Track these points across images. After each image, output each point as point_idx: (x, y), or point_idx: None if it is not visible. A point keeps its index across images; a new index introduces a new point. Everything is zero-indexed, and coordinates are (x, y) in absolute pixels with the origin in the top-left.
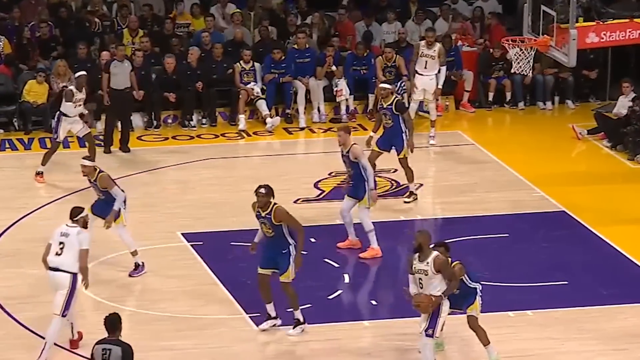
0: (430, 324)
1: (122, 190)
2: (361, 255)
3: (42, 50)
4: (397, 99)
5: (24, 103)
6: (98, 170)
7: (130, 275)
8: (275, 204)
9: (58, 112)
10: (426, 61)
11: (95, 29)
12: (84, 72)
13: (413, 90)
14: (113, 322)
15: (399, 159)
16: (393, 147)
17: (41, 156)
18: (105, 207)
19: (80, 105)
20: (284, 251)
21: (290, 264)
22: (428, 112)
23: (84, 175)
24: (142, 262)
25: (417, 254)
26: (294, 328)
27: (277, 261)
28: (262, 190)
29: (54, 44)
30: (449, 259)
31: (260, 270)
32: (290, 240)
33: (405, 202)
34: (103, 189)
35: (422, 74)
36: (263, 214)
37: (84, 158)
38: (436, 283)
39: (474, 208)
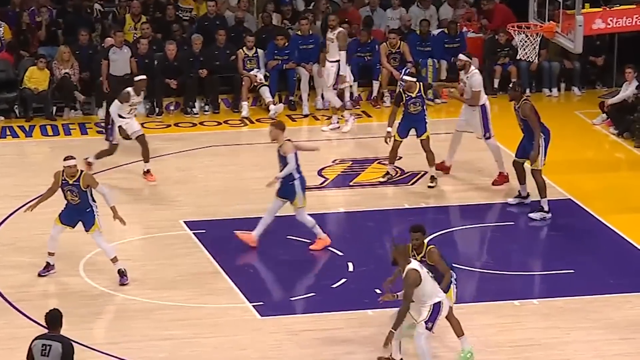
0: (431, 317)
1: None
2: (311, 247)
3: (42, 36)
4: (422, 84)
5: (24, 90)
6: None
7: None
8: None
9: (109, 114)
10: (328, 44)
11: (95, 16)
12: (144, 76)
13: (322, 76)
14: (54, 318)
15: (422, 140)
16: (413, 129)
17: (42, 143)
18: (75, 215)
19: (135, 109)
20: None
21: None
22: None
23: (71, 176)
24: (124, 269)
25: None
26: None
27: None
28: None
29: (54, 29)
30: (425, 243)
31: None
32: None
33: (429, 186)
34: (85, 189)
35: (327, 60)
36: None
37: (69, 158)
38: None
39: (479, 196)
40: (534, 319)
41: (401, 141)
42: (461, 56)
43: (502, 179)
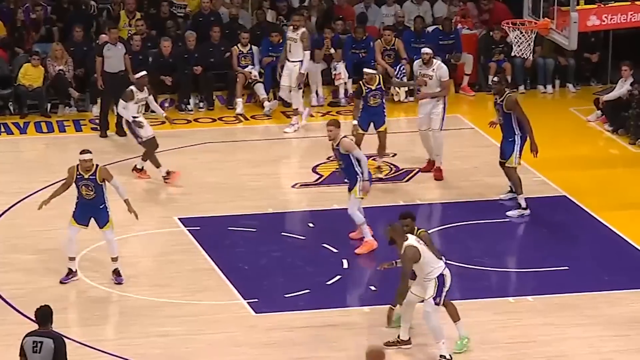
0: (437, 292)
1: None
2: (357, 251)
3: (36, 33)
4: (382, 76)
5: (19, 86)
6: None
7: (116, 283)
8: None
9: (122, 117)
10: (290, 44)
11: (92, 12)
12: (144, 72)
13: (279, 76)
14: (45, 314)
15: (379, 132)
16: (372, 123)
17: (36, 140)
18: (88, 211)
19: (143, 104)
20: None
21: None
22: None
23: (86, 170)
24: (119, 270)
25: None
26: None
27: None
28: None
29: (49, 26)
30: (415, 228)
31: None
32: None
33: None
34: (101, 183)
35: (288, 59)
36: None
37: (85, 152)
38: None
39: (474, 192)
40: (529, 315)
41: (364, 134)
42: (426, 50)
43: (437, 171)
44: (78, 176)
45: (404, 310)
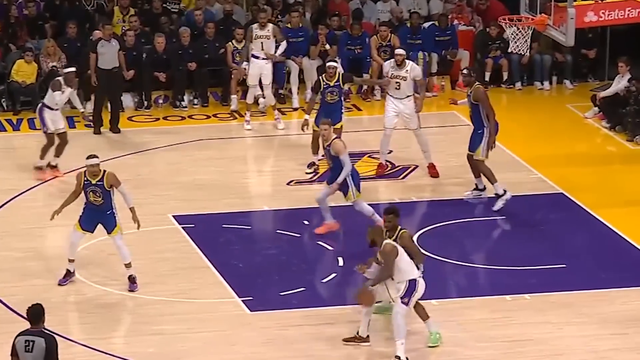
0: (406, 293)
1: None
2: (317, 230)
3: (29, 29)
4: (341, 73)
5: (12, 83)
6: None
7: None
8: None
9: (40, 104)
10: (262, 42)
11: (91, 6)
12: (73, 69)
13: (247, 76)
14: (36, 313)
15: (335, 129)
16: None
17: (30, 137)
18: (95, 217)
19: (64, 101)
20: None
21: None
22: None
23: (94, 176)
24: (135, 276)
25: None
26: None
27: None
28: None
29: (42, 22)
30: (398, 226)
31: None
32: None
33: (306, 172)
34: (108, 189)
35: (257, 57)
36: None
37: (92, 157)
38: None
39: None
40: (526, 313)
41: (318, 131)
42: (400, 51)
43: (431, 168)
44: (85, 182)
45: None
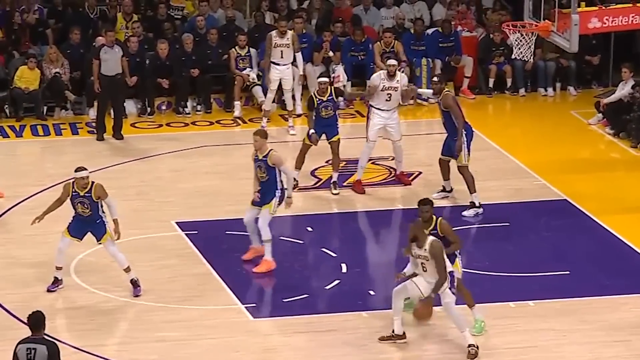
0: (450, 283)
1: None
2: (255, 269)
3: (32, 35)
4: (334, 87)
5: (15, 89)
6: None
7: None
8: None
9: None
10: (281, 51)
11: (93, 13)
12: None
13: (268, 81)
14: (37, 320)
15: (332, 142)
16: (324, 134)
17: (33, 143)
18: (84, 226)
19: None
20: None
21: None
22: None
23: (82, 188)
24: (137, 279)
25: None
26: None
27: None
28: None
29: (43, 29)
30: (434, 217)
31: None
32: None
33: (333, 193)
34: (96, 201)
35: (278, 64)
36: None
37: (80, 169)
38: (432, 268)
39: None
40: (529, 320)
41: (310, 145)
42: (392, 62)
43: (404, 177)
44: (74, 193)
45: (399, 300)
